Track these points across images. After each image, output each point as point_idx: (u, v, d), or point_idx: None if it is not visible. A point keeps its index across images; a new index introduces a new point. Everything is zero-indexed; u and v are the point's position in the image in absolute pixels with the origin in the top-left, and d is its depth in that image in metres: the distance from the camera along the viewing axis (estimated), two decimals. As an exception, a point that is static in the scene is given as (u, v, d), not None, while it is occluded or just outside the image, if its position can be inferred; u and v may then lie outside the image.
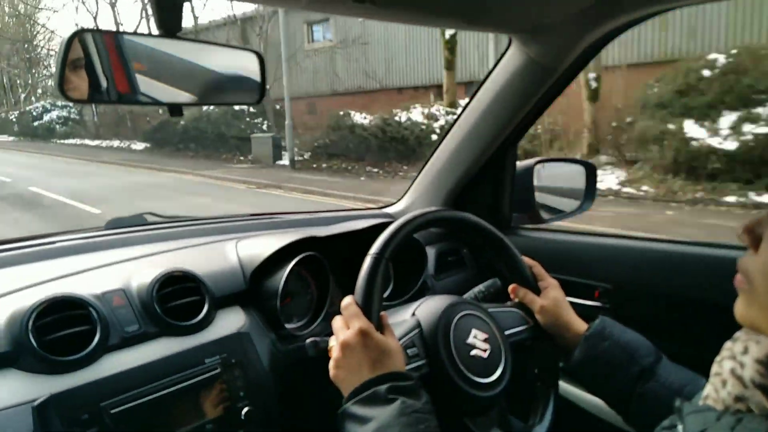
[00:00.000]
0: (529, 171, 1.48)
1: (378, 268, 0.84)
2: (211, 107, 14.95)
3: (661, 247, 1.28)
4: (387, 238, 0.88)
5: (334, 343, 0.81)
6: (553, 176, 1.57)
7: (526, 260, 1.06)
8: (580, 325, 1.00)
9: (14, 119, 30.76)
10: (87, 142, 24.85)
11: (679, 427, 0.61)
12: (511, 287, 1.07)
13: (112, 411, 0.80)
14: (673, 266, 1.22)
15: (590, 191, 1.58)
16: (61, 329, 0.83)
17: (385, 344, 0.78)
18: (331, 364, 0.80)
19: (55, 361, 0.80)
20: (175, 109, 0.81)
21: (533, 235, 1.51)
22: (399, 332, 0.88)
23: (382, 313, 0.83)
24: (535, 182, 1.50)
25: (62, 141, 25.98)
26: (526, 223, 1.53)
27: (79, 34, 0.72)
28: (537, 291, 1.04)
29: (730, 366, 0.58)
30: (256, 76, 0.88)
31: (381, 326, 0.81)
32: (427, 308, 0.94)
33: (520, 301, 1.06)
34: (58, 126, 27.12)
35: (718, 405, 0.58)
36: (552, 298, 1.02)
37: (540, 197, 1.54)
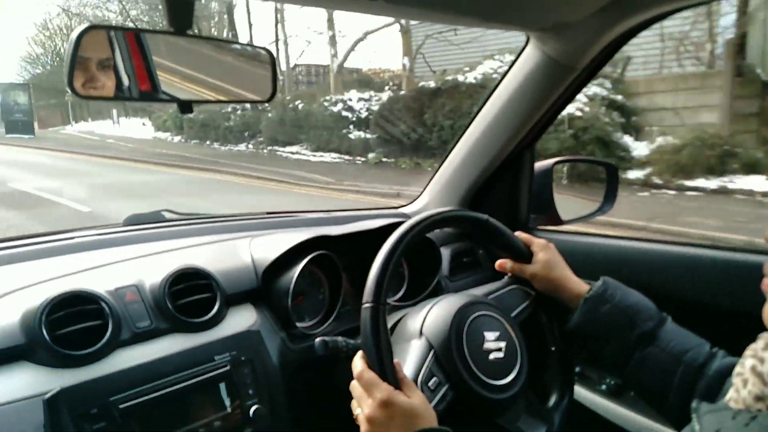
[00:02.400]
0: (548, 171, 1.46)
1: (379, 319, 0.80)
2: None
3: (687, 251, 1.25)
4: (375, 283, 0.83)
5: (359, 413, 0.78)
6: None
7: (519, 234, 1.03)
8: (580, 286, 0.97)
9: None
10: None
11: (696, 427, 0.59)
12: (498, 263, 1.05)
13: (121, 406, 0.81)
14: (700, 271, 1.19)
15: (611, 192, 1.55)
16: (73, 324, 0.84)
17: (409, 407, 0.74)
18: None
19: (66, 355, 0.81)
20: (186, 106, 0.81)
21: (552, 236, 1.48)
22: (414, 364, 0.85)
23: (396, 362, 0.79)
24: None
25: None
26: (545, 224, 1.51)
27: (89, 30, 0.72)
28: (530, 259, 1.01)
29: (751, 364, 0.57)
30: (267, 73, 0.88)
31: (397, 381, 0.77)
32: (434, 323, 0.90)
33: (510, 272, 1.04)
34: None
35: (739, 405, 0.57)
36: (542, 262, 1.00)
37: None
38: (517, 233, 1.03)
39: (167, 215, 1.44)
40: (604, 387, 1.29)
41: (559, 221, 1.49)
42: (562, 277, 0.99)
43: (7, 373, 0.78)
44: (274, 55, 0.88)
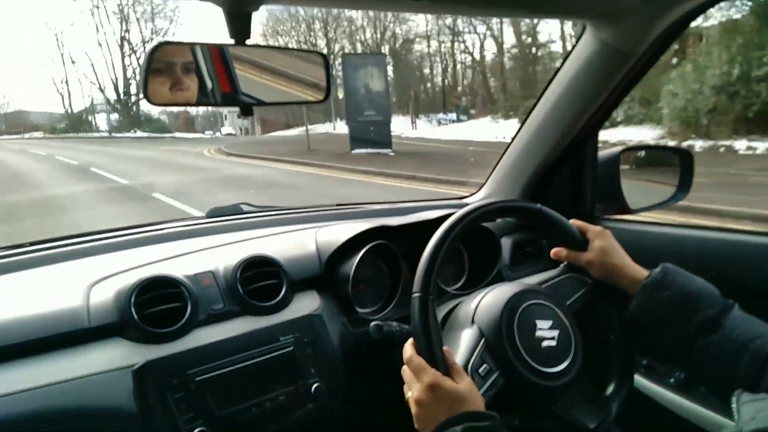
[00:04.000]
0: (614, 159, 1.42)
1: (427, 307, 0.83)
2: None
3: (763, 241, 1.18)
4: (424, 273, 0.86)
5: (410, 395, 0.82)
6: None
7: (574, 222, 1.02)
8: (639, 273, 0.94)
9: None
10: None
11: (735, 417, 0.58)
12: (553, 251, 1.04)
13: (197, 378, 0.91)
14: None
15: (686, 180, 1.47)
16: (158, 305, 0.96)
17: (456, 391, 0.77)
18: (414, 419, 0.81)
19: (151, 332, 0.93)
20: (248, 109, 0.89)
21: (619, 226, 1.45)
22: (465, 352, 0.88)
23: (446, 349, 0.82)
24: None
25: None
26: (612, 214, 1.47)
27: (160, 46, 0.82)
28: (585, 247, 1.00)
29: None
30: (322, 75, 0.94)
31: (447, 367, 0.80)
32: (486, 311, 0.92)
33: (566, 260, 1.03)
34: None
35: None
36: (597, 249, 0.98)
37: (629, 187, 1.47)
38: (572, 221, 1.02)
39: (245, 208, 1.56)
40: (672, 380, 1.26)
41: (628, 210, 1.44)
42: (619, 264, 0.97)
43: (104, 347, 0.91)
44: (328, 58, 0.94)
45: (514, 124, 17.74)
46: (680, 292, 0.90)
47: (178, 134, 46.89)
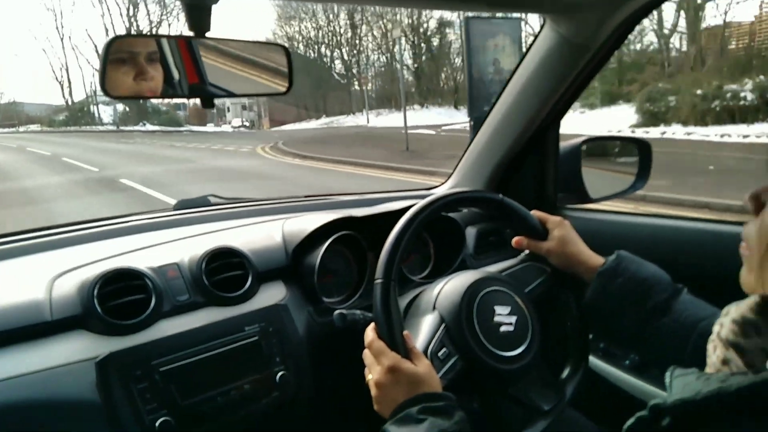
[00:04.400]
0: (575, 150, 1.46)
1: (389, 293, 0.86)
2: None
3: (721, 228, 1.22)
4: (386, 260, 0.89)
5: (370, 378, 0.85)
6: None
7: (534, 213, 1.05)
8: (596, 261, 0.98)
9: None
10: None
11: (668, 390, 0.62)
12: (514, 240, 1.07)
13: (161, 369, 0.92)
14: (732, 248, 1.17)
15: (644, 170, 1.52)
16: (122, 297, 0.96)
17: (414, 373, 0.80)
18: (374, 400, 0.84)
19: (115, 324, 0.93)
20: (209, 101, 0.90)
21: (580, 215, 1.49)
22: (425, 336, 0.91)
23: (405, 333, 0.85)
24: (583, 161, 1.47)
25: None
26: (573, 203, 1.51)
27: (117, 39, 0.82)
28: (545, 236, 1.03)
29: (717, 330, 0.59)
30: (284, 67, 0.95)
31: (406, 350, 0.83)
32: (447, 298, 0.95)
33: (528, 250, 1.06)
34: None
35: (711, 370, 0.59)
36: (557, 238, 1.02)
37: (589, 176, 1.51)
38: (533, 212, 1.05)
39: (212, 200, 1.55)
40: (627, 362, 1.31)
41: (588, 199, 1.48)
42: (576, 252, 1.00)
43: (66, 339, 0.91)
44: (289, 50, 0.95)
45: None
46: (633, 278, 0.93)
47: (194, 128, 40.78)
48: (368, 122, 30.10)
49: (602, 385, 1.33)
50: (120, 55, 0.85)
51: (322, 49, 42.24)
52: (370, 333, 0.86)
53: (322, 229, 1.19)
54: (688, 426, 0.51)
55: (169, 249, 1.15)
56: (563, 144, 1.46)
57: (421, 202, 0.96)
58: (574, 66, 1.19)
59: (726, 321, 0.58)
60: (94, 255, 1.08)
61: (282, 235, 1.23)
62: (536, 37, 1.23)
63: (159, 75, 0.90)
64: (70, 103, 47.72)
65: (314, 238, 1.19)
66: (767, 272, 0.57)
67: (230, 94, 0.96)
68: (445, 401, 0.77)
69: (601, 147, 1.63)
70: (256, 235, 1.24)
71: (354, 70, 40.22)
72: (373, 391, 0.83)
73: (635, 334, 0.93)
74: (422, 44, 35.57)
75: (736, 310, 0.58)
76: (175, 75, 0.91)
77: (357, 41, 40.33)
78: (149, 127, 39.95)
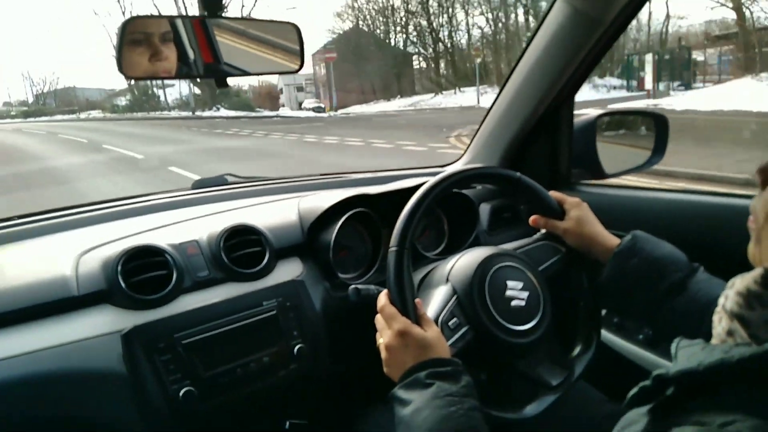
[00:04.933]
0: (590, 124, 1.45)
1: (402, 260, 0.88)
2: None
3: (736, 202, 1.21)
4: (401, 229, 0.91)
5: (381, 341, 0.87)
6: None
7: (552, 193, 1.06)
8: (611, 241, 0.99)
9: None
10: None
11: (673, 360, 0.62)
12: (531, 219, 1.08)
13: (183, 342, 0.95)
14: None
15: (660, 144, 1.51)
16: (144, 273, 1.00)
17: (423, 338, 0.82)
18: (384, 363, 0.86)
19: (138, 299, 0.97)
20: (222, 81, 0.92)
21: (595, 191, 1.49)
22: (437, 305, 0.92)
23: (417, 300, 0.87)
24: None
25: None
26: (588, 178, 1.51)
27: (133, 20, 0.83)
28: (562, 216, 1.04)
29: (722, 302, 0.59)
30: (295, 45, 0.96)
31: (417, 316, 0.85)
32: (460, 271, 0.96)
33: (545, 229, 1.07)
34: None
35: (716, 341, 0.59)
36: (574, 218, 1.02)
37: (605, 151, 1.50)
38: (551, 192, 1.06)
39: (230, 179, 1.58)
40: (641, 337, 1.31)
41: (603, 175, 1.48)
42: (593, 233, 1.01)
43: (93, 313, 0.95)
44: (300, 28, 0.95)
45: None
46: (648, 258, 0.94)
47: (284, 113, 34.15)
48: (479, 102, 25.72)
49: (614, 359, 1.34)
50: (135, 36, 0.87)
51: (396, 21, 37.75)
52: (383, 298, 0.89)
53: (336, 206, 1.21)
54: (690, 396, 0.52)
55: (189, 227, 1.18)
56: (577, 119, 1.45)
57: (438, 176, 0.97)
58: (587, 40, 1.18)
59: (731, 293, 0.58)
60: (117, 233, 1.11)
61: (298, 213, 1.25)
62: (549, 10, 1.21)
63: (173, 55, 0.92)
64: (134, 86, 41.51)
65: (329, 215, 1.21)
66: (767, 243, 0.57)
67: (245, 73, 0.97)
68: (453, 366, 0.79)
69: (617, 122, 1.61)
70: (273, 213, 1.26)
71: (442, 43, 35.58)
72: (383, 354, 0.86)
73: (650, 313, 0.93)
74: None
75: (740, 282, 0.58)
76: (190, 55, 0.93)
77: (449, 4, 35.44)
78: (224, 112, 33.06)
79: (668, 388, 0.54)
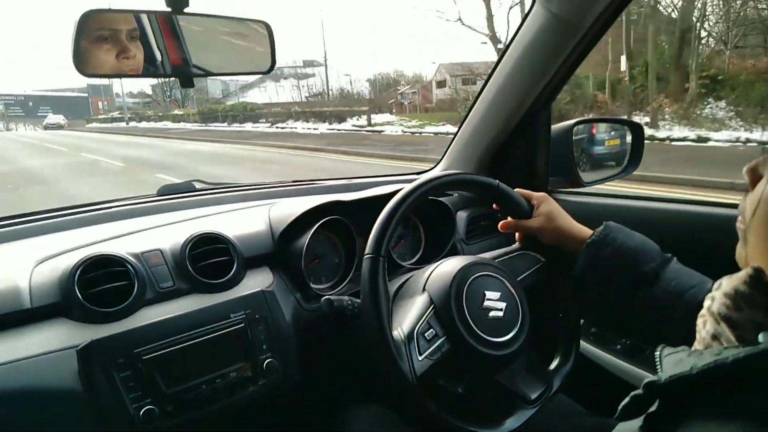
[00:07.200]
0: (567, 132, 1.43)
1: (377, 268, 0.87)
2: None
3: (713, 211, 1.21)
4: (376, 236, 0.89)
5: None
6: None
7: (518, 190, 1.04)
8: (584, 233, 0.97)
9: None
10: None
11: (659, 369, 0.60)
12: (500, 225, 1.06)
13: (144, 357, 0.90)
14: (729, 231, 1.15)
15: (636, 152, 1.51)
16: (103, 284, 0.94)
17: None
18: None
19: (96, 311, 0.91)
20: (188, 80, 0.87)
21: (572, 199, 1.47)
22: (413, 316, 0.89)
23: None
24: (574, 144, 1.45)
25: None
26: (565, 186, 1.49)
27: (90, 14, 0.78)
28: (530, 214, 1.02)
29: (708, 304, 0.57)
30: (266, 45, 0.92)
31: (390, 320, 0.84)
32: (437, 280, 0.94)
33: (514, 230, 1.05)
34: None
35: (700, 346, 0.57)
36: (544, 213, 1.01)
37: (581, 159, 1.49)
38: (516, 189, 1.04)
39: (197, 185, 1.52)
40: (618, 347, 1.30)
41: (581, 183, 1.47)
42: (564, 226, 0.99)
43: (47, 327, 0.88)
44: (272, 27, 0.91)
45: None
46: (621, 248, 0.92)
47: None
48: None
49: (592, 369, 1.32)
50: (102, 33, 0.82)
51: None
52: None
53: (309, 213, 1.17)
54: (684, 401, 0.50)
55: (153, 235, 1.12)
56: (555, 126, 1.44)
57: (414, 183, 0.94)
58: (565, 45, 1.16)
59: (718, 295, 0.56)
60: (75, 241, 1.05)
61: (268, 221, 1.20)
62: (526, 15, 1.20)
63: (140, 53, 0.87)
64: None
65: (301, 223, 1.17)
66: (753, 241, 0.56)
67: (210, 73, 0.93)
68: None
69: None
70: (242, 221, 1.21)
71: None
72: None
73: (624, 306, 0.91)
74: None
75: (728, 283, 0.56)
76: (156, 53, 0.88)
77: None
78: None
79: (659, 396, 0.52)
